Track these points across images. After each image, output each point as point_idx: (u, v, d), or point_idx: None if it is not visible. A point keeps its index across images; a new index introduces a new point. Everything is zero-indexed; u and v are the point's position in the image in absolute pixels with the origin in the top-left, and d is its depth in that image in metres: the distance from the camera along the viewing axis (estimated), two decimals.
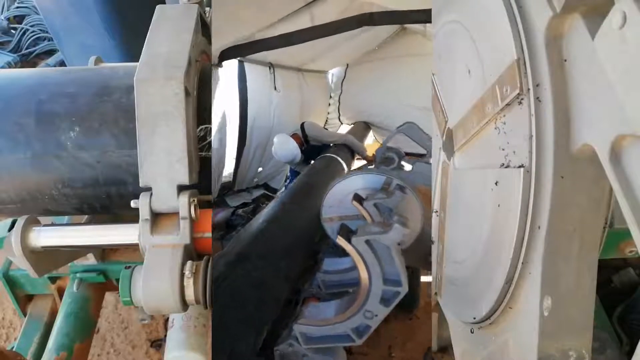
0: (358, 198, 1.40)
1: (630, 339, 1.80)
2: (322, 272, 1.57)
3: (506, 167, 0.99)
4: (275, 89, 4.70)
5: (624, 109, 0.67)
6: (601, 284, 2.01)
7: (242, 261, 1.65)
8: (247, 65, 4.52)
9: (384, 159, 1.62)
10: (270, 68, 4.96)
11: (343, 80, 6.73)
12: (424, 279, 2.44)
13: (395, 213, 1.33)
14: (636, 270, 2.02)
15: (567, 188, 0.87)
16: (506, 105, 0.96)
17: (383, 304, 1.25)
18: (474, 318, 1.17)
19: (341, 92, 6.84)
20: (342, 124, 6.71)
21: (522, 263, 0.95)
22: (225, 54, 3.60)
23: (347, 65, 6.64)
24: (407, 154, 1.81)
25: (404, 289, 1.24)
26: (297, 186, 2.69)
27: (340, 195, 1.50)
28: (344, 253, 1.42)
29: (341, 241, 1.22)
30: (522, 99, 0.91)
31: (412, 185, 1.51)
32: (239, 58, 4.16)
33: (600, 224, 0.90)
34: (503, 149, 1.00)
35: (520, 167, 0.92)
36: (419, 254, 1.53)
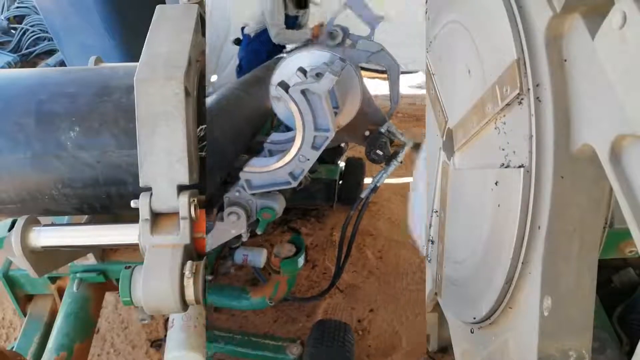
0: (302, 70, 1.54)
1: (630, 339, 1.80)
2: (269, 142, 1.78)
3: (506, 167, 0.99)
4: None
5: (624, 109, 0.67)
6: (601, 284, 2.01)
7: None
8: None
9: (330, 35, 1.76)
10: None
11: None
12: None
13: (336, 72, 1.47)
14: (636, 270, 2.01)
15: (567, 188, 0.87)
16: (506, 105, 0.96)
17: (314, 149, 1.44)
18: (474, 318, 1.17)
19: None
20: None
21: (522, 263, 0.95)
22: None
23: None
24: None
25: (331, 134, 1.41)
26: (249, 76, 2.88)
27: (288, 72, 1.60)
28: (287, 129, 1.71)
29: (279, 91, 1.37)
30: (522, 99, 0.91)
31: (354, 62, 1.66)
32: None
33: (600, 224, 0.91)
34: (503, 149, 1.00)
35: (520, 167, 0.92)
36: (356, 131, 1.74)
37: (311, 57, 1.66)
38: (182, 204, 1.14)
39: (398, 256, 2.88)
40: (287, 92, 1.36)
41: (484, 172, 1.12)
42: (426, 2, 1.57)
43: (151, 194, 1.15)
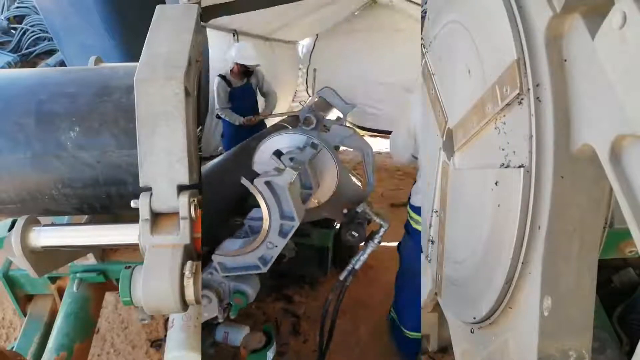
0: (278, 153, 1.63)
1: (630, 339, 1.80)
2: (248, 219, 1.86)
3: (506, 167, 0.99)
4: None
5: (624, 109, 0.67)
6: (601, 284, 2.01)
7: None
8: (209, 32, 4.35)
9: (305, 121, 1.82)
10: (234, 35, 4.76)
11: (312, 51, 6.59)
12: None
13: (301, 163, 1.56)
14: (636, 270, 2.01)
15: (567, 188, 0.87)
16: (506, 105, 0.96)
17: (281, 236, 1.48)
18: (474, 318, 1.17)
19: (309, 64, 6.70)
20: (310, 96, 6.63)
21: (522, 263, 0.95)
22: None
23: (317, 36, 6.45)
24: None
25: (296, 223, 1.46)
26: (242, 145, 3.17)
27: (268, 152, 1.69)
28: None
29: (245, 182, 1.43)
30: (522, 99, 0.91)
31: (328, 144, 1.75)
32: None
33: (600, 224, 0.90)
34: (503, 149, 1.00)
35: (520, 167, 0.92)
36: (335, 208, 1.81)
37: (288, 140, 1.75)
38: (182, 204, 1.14)
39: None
40: (251, 182, 1.42)
41: (484, 172, 1.12)
42: (426, 2, 1.57)
43: (151, 194, 1.15)
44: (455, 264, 1.35)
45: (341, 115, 1.93)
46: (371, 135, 5.95)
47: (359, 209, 1.76)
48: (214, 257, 1.56)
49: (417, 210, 2.21)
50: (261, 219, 1.51)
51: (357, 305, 2.85)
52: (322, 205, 1.80)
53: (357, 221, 1.78)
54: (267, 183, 1.42)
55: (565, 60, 0.84)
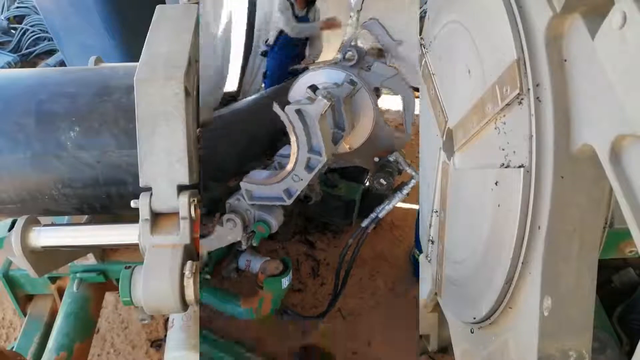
0: (313, 87, 1.57)
1: (630, 339, 1.80)
2: (278, 155, 1.81)
3: (506, 167, 0.99)
4: None
5: (624, 109, 0.67)
6: (601, 284, 2.01)
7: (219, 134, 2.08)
8: None
9: (345, 56, 1.72)
10: None
11: None
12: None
13: (336, 97, 1.51)
14: (636, 270, 2.02)
15: (567, 188, 0.87)
16: (506, 105, 0.96)
17: (307, 170, 1.46)
18: (474, 318, 1.17)
19: (360, 9, 6.11)
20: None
21: (522, 263, 0.95)
22: None
23: None
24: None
25: (323, 159, 1.43)
26: (282, 84, 3.15)
27: (304, 88, 1.62)
28: None
29: (276, 109, 1.39)
30: (522, 99, 0.91)
31: (368, 85, 1.65)
32: None
33: (600, 224, 0.90)
34: (503, 149, 1.00)
35: (520, 167, 0.92)
36: (367, 156, 1.75)
37: (326, 76, 1.68)
38: (182, 204, 1.15)
39: (410, 293, 2.66)
40: (283, 110, 1.39)
41: (484, 172, 1.12)
42: (426, 2, 1.57)
43: (151, 194, 1.16)
44: (455, 264, 1.35)
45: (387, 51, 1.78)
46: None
47: (391, 158, 1.70)
48: (242, 183, 1.57)
49: None
50: (288, 156, 1.49)
51: (379, 258, 2.87)
52: (354, 152, 1.73)
53: (387, 169, 1.72)
54: (298, 111, 1.38)
55: (565, 60, 0.84)
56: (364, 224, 1.81)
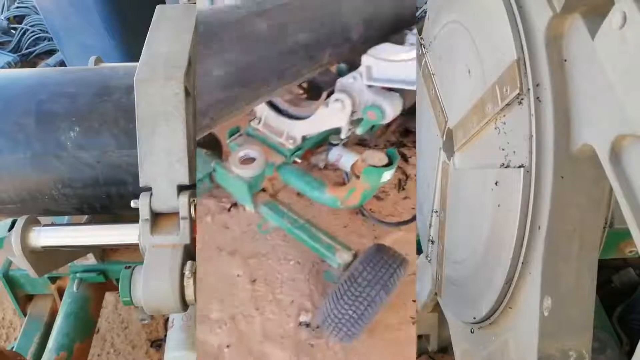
0: None
1: (630, 339, 1.80)
2: (412, 33, 1.46)
3: (506, 167, 0.99)
4: None
5: (624, 109, 0.67)
6: (601, 284, 2.01)
7: None
8: None
9: None
10: None
11: None
12: None
13: None
14: (636, 270, 2.02)
15: (567, 188, 0.87)
16: (506, 105, 0.96)
17: None
18: (474, 318, 1.17)
19: None
20: None
21: (522, 263, 0.95)
22: None
23: None
24: None
25: None
26: None
27: None
28: None
29: None
30: (522, 99, 0.91)
31: None
32: None
33: (600, 224, 0.90)
34: (503, 149, 1.00)
35: (520, 167, 0.92)
36: None
37: None
38: (182, 204, 1.15)
39: None
40: None
41: (484, 172, 1.12)
42: (426, 2, 1.56)
43: (151, 194, 1.16)
44: (455, 264, 1.35)
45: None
46: None
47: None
48: (364, 58, 1.32)
49: None
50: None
51: None
52: None
53: None
54: None
55: (565, 60, 0.84)
56: None
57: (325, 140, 1.88)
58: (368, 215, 2.20)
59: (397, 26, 1.54)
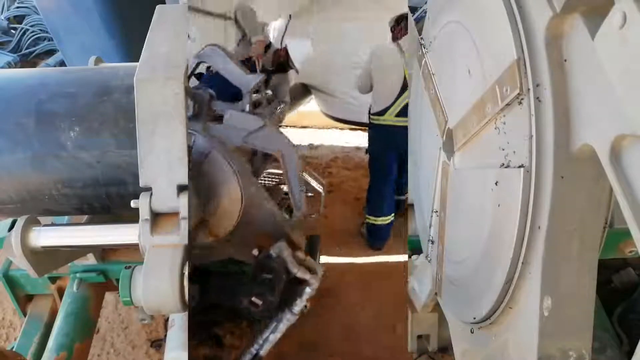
0: None
1: (630, 339, 1.80)
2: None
3: (506, 167, 0.99)
4: (188, 37, 3.27)
5: (624, 109, 0.67)
6: (601, 284, 2.01)
7: None
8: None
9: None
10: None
11: (284, 34, 4.89)
12: None
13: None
14: (636, 270, 2.02)
15: (567, 188, 0.87)
16: (506, 105, 0.96)
17: None
18: (474, 318, 1.17)
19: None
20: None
21: (522, 263, 0.95)
22: None
23: (290, 16, 4.93)
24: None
25: None
26: None
27: None
28: None
29: None
30: (522, 99, 0.91)
31: (222, 144, 1.11)
32: None
33: (600, 224, 0.90)
34: (503, 149, 1.00)
35: (520, 167, 0.92)
36: (244, 245, 1.20)
37: None
38: (182, 204, 1.14)
39: None
40: None
41: (484, 172, 1.12)
42: (426, 2, 1.57)
43: (151, 194, 1.15)
44: (455, 264, 1.35)
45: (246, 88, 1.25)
46: (351, 129, 5.04)
47: (273, 252, 1.14)
48: None
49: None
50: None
51: (307, 348, 2.13)
52: (224, 242, 1.18)
53: (265, 277, 1.11)
54: None
55: (565, 60, 0.84)
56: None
57: None
58: None
59: None
